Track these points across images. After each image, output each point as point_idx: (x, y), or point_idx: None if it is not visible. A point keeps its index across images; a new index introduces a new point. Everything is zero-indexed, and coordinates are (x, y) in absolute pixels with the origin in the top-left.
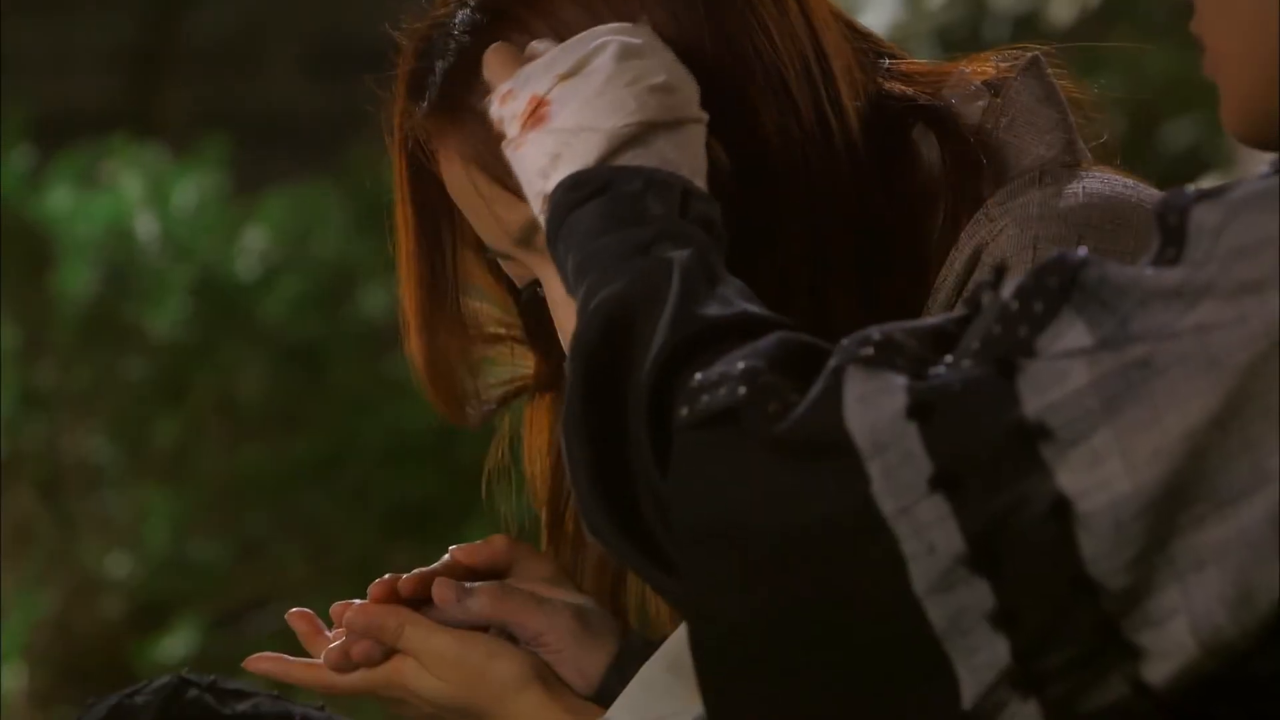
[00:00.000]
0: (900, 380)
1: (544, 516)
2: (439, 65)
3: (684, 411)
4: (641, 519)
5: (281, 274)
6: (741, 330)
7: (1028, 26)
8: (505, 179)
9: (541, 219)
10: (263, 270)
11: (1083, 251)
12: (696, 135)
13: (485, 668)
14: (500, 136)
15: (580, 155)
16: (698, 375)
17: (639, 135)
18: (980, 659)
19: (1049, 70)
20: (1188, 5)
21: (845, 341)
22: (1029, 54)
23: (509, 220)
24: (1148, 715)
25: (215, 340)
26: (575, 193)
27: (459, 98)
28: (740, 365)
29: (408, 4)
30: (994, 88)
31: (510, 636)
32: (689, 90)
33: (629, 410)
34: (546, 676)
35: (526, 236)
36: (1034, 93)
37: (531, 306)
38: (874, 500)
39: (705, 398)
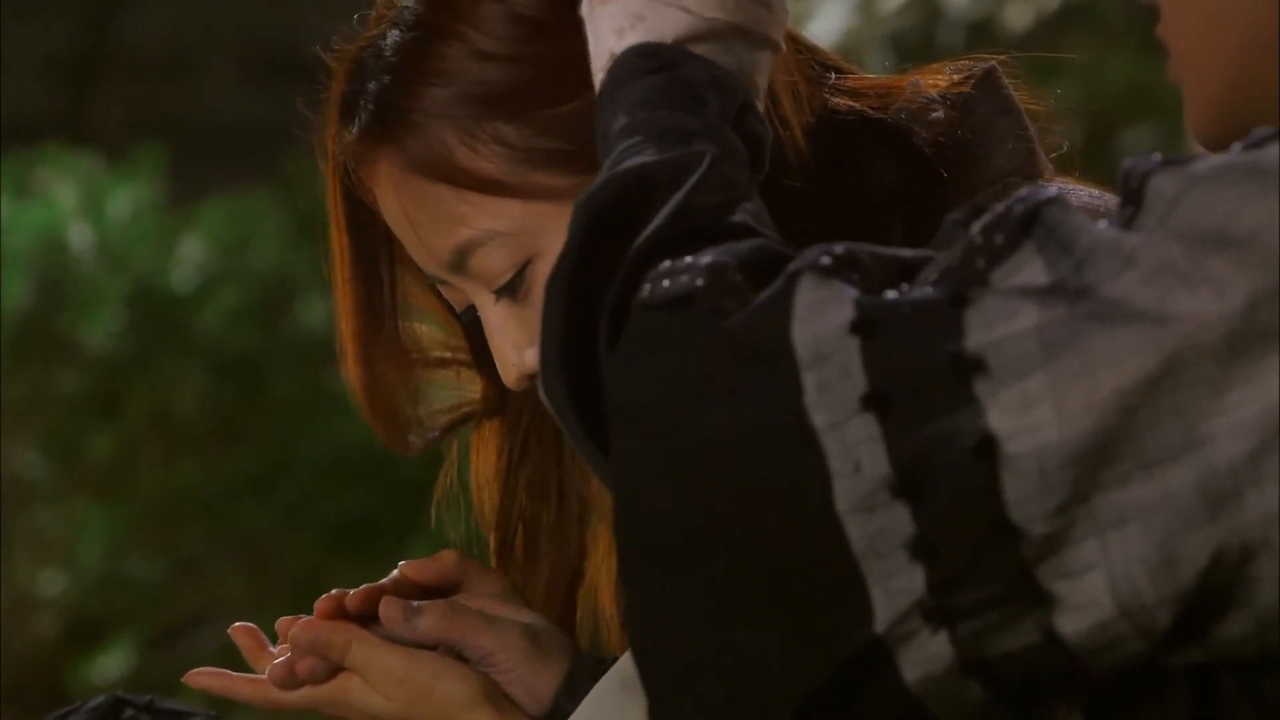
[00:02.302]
0: (851, 293)
1: (492, 543)
2: (371, 85)
3: (645, 290)
4: (594, 393)
5: (219, 285)
6: (734, 236)
7: (983, 32)
8: (454, 176)
9: (598, 79)
10: (199, 281)
11: (1051, 189)
12: (768, 61)
13: (433, 687)
14: (444, 141)
15: (660, 28)
16: (668, 262)
17: (722, 34)
18: (895, 584)
19: (1005, 81)
20: (1147, 11)
21: (809, 250)
22: (985, 64)
23: (439, 246)
24: (1060, 674)
25: (151, 353)
26: (643, 60)
27: (397, 112)
28: (708, 259)
29: (348, 10)
30: (950, 100)
31: (460, 655)
32: (780, 15)
33: (609, 281)
34: (496, 696)
35: (458, 262)
36: (992, 104)
37: (474, 330)
38: (805, 411)
39: (666, 282)
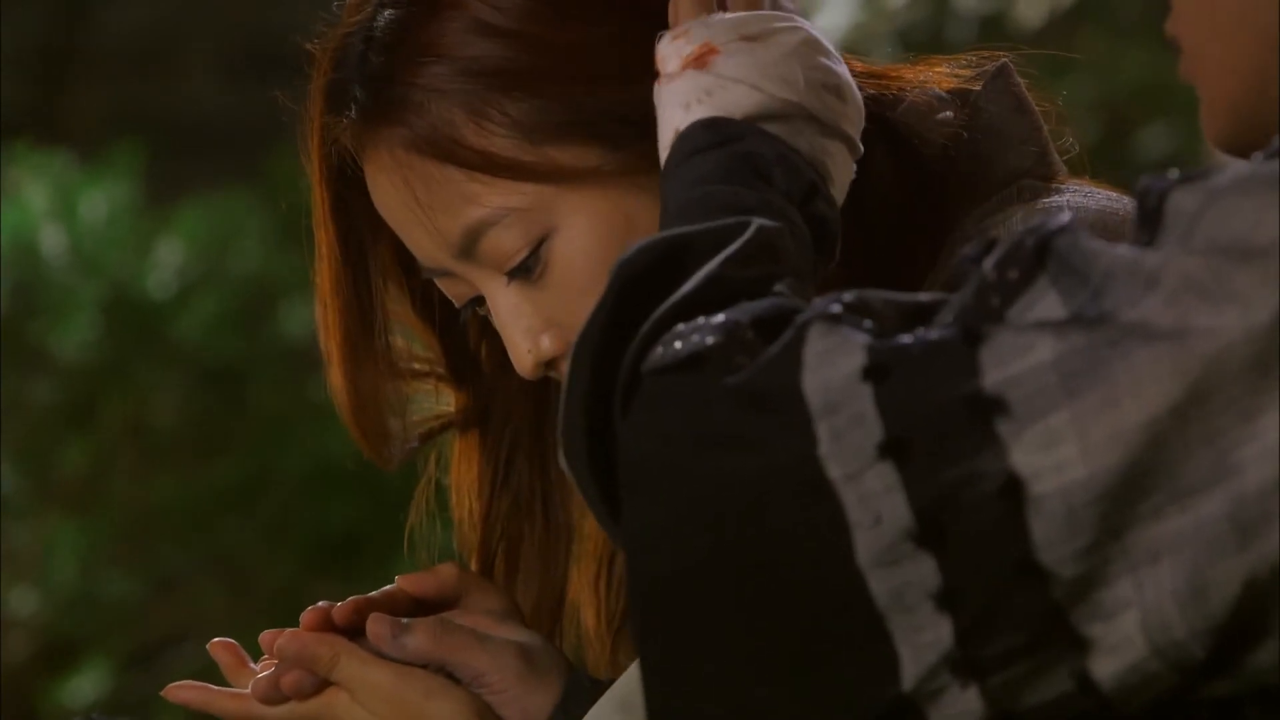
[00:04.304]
0: (861, 339)
1: (473, 564)
2: (365, 68)
3: (657, 354)
4: (611, 457)
5: (197, 290)
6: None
7: (994, 28)
8: (463, 156)
9: (663, 156)
10: (178, 287)
11: (1063, 218)
12: (842, 154)
13: (423, 708)
14: (450, 119)
15: (729, 103)
16: (681, 325)
17: (792, 116)
18: (922, 638)
19: (1017, 78)
20: (1163, 4)
21: (818, 299)
22: (996, 61)
23: (449, 227)
24: (1091, 718)
25: (127, 361)
26: (708, 134)
27: (397, 92)
28: (721, 318)
29: (329, 3)
30: (960, 97)
31: (452, 675)
32: (854, 112)
33: (630, 346)
34: (488, 718)
35: (468, 245)
36: (1003, 102)
37: (460, 339)
38: (820, 462)
39: (678, 344)
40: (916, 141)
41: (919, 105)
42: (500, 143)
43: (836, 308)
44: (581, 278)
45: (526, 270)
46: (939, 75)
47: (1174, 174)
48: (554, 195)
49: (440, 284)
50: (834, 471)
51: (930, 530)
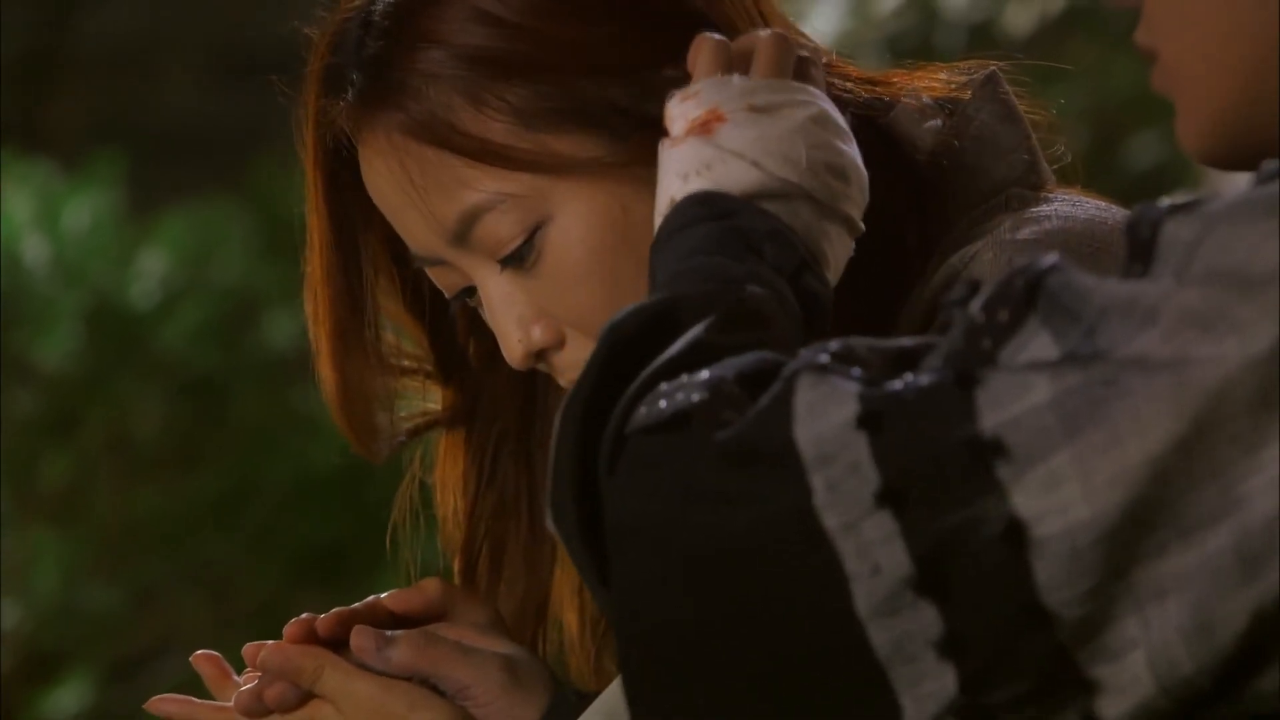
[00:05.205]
0: (852, 387)
1: (457, 564)
2: (363, 52)
3: (640, 413)
4: (600, 518)
5: (180, 300)
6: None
7: (983, 36)
8: (459, 142)
9: (657, 223)
10: (160, 296)
11: (1051, 258)
12: (841, 237)
13: (408, 719)
14: (448, 104)
15: (726, 178)
16: (665, 384)
17: (791, 196)
18: (926, 689)
19: (1006, 86)
20: None
21: (804, 350)
22: (985, 69)
23: (444, 212)
24: None
25: (109, 372)
26: (701, 208)
27: (395, 75)
28: (705, 375)
29: (314, 9)
30: (949, 107)
31: (436, 687)
32: (857, 193)
33: (616, 408)
34: None
35: (463, 231)
36: (992, 111)
37: (449, 335)
38: (815, 513)
39: (663, 402)
40: (907, 148)
41: (910, 112)
42: (498, 129)
43: (824, 357)
44: (576, 267)
45: (520, 258)
46: (935, 83)
47: (1165, 203)
48: (551, 183)
49: (431, 273)
50: (830, 522)
51: (931, 578)
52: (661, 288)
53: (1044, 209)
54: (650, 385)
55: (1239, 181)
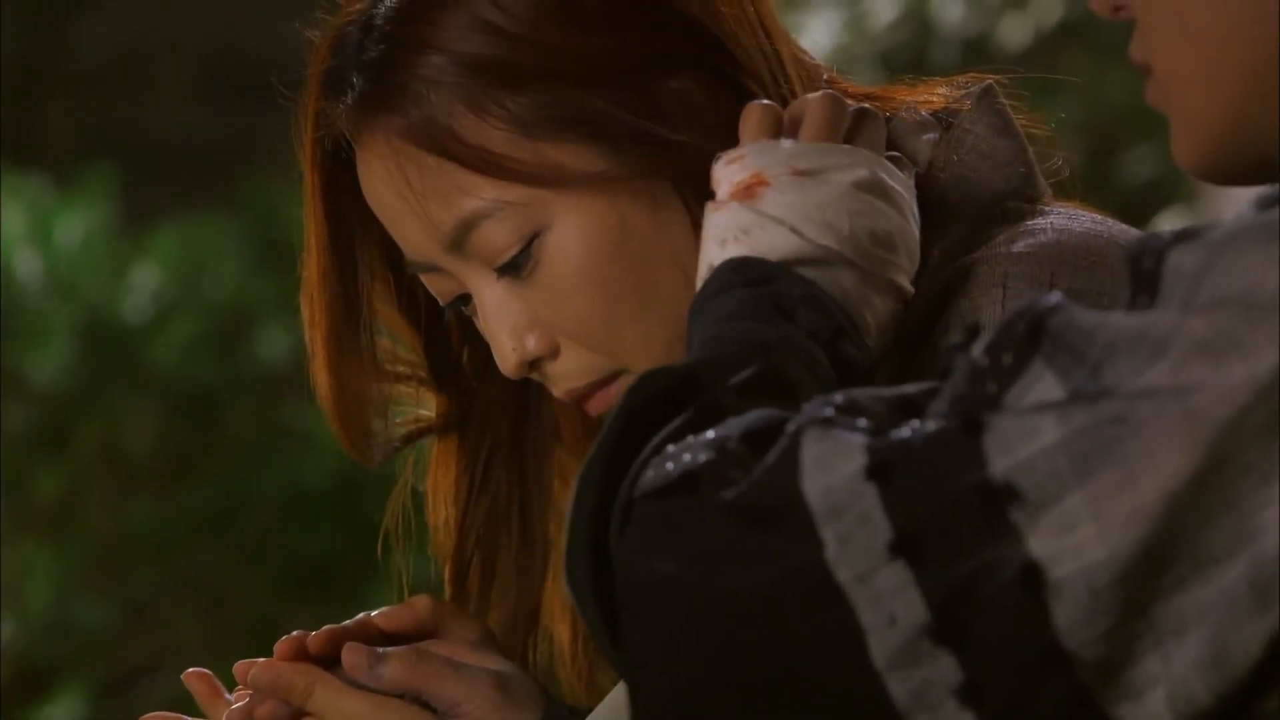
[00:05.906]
0: (858, 439)
1: (447, 573)
2: (364, 55)
3: (647, 477)
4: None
5: (173, 314)
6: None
7: (978, 50)
8: (452, 149)
9: (698, 284)
10: (153, 311)
11: (1053, 297)
12: (884, 305)
13: None
14: (448, 110)
15: (765, 245)
16: (671, 446)
17: (832, 263)
18: None
19: (1002, 100)
20: None
21: (807, 405)
22: (982, 82)
23: (442, 218)
24: None
25: (102, 386)
26: (736, 274)
27: (396, 79)
28: (710, 434)
29: (308, 23)
30: (945, 119)
31: (428, 704)
32: (904, 260)
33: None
34: None
35: (459, 238)
36: (989, 124)
37: (443, 342)
38: (828, 567)
39: (669, 465)
40: (905, 161)
41: (907, 125)
42: (497, 137)
43: (828, 410)
44: (572, 277)
45: (516, 267)
46: (934, 97)
47: (1167, 234)
48: (549, 192)
49: (426, 280)
50: (843, 575)
51: (948, 626)
52: (695, 352)
53: (1040, 222)
54: (659, 449)
55: (1234, 196)
